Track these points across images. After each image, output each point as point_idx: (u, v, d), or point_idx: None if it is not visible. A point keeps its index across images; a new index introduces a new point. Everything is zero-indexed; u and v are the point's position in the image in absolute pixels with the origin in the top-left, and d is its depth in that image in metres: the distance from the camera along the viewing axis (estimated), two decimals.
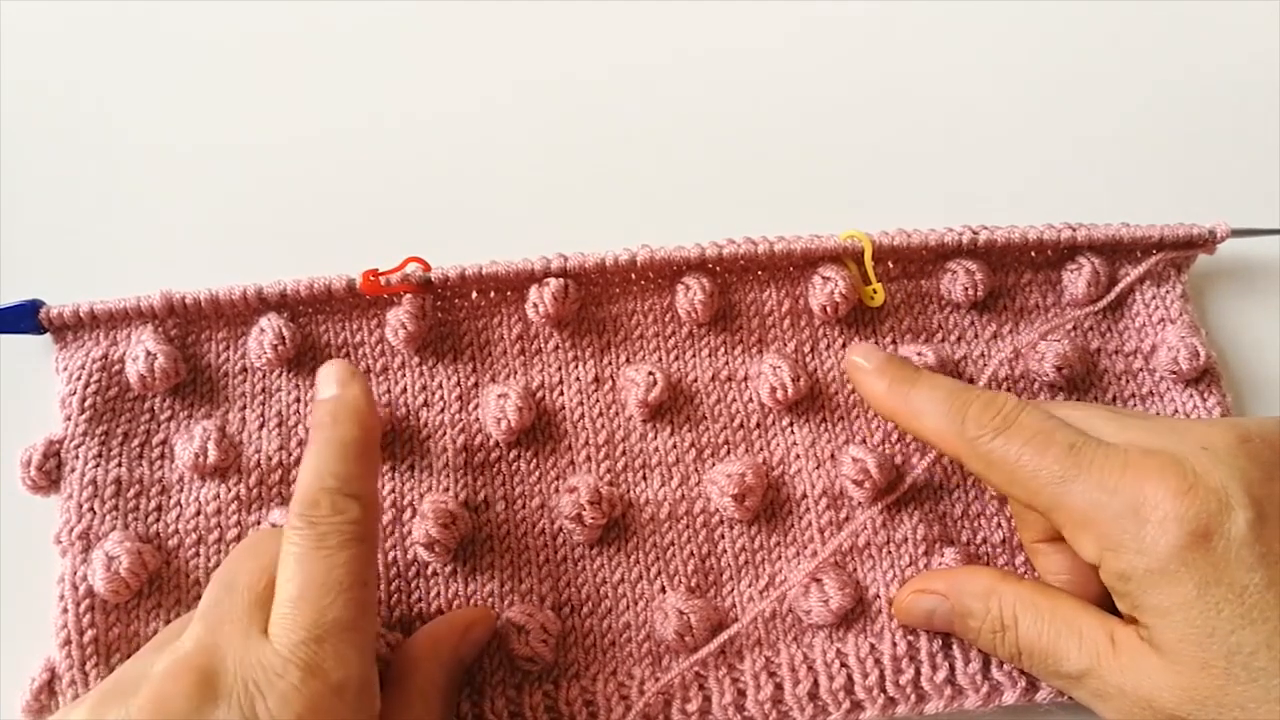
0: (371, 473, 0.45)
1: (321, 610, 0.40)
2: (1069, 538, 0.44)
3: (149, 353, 0.53)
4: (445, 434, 0.54)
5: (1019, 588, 0.46)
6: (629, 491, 0.54)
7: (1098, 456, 0.42)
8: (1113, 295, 0.56)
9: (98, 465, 0.52)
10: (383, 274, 0.53)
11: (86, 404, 0.53)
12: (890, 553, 0.52)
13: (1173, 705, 0.40)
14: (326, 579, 0.40)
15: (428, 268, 0.54)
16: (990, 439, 0.44)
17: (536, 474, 0.54)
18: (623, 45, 0.65)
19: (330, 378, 0.46)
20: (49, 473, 0.52)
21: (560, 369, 0.56)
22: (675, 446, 0.54)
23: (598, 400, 0.55)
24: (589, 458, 0.54)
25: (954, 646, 0.50)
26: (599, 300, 0.56)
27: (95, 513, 0.52)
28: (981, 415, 0.45)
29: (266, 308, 0.54)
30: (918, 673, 0.50)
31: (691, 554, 0.53)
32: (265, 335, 0.54)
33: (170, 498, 0.53)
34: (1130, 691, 0.41)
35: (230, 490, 0.53)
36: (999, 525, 0.53)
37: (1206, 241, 0.56)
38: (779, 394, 0.54)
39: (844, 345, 0.56)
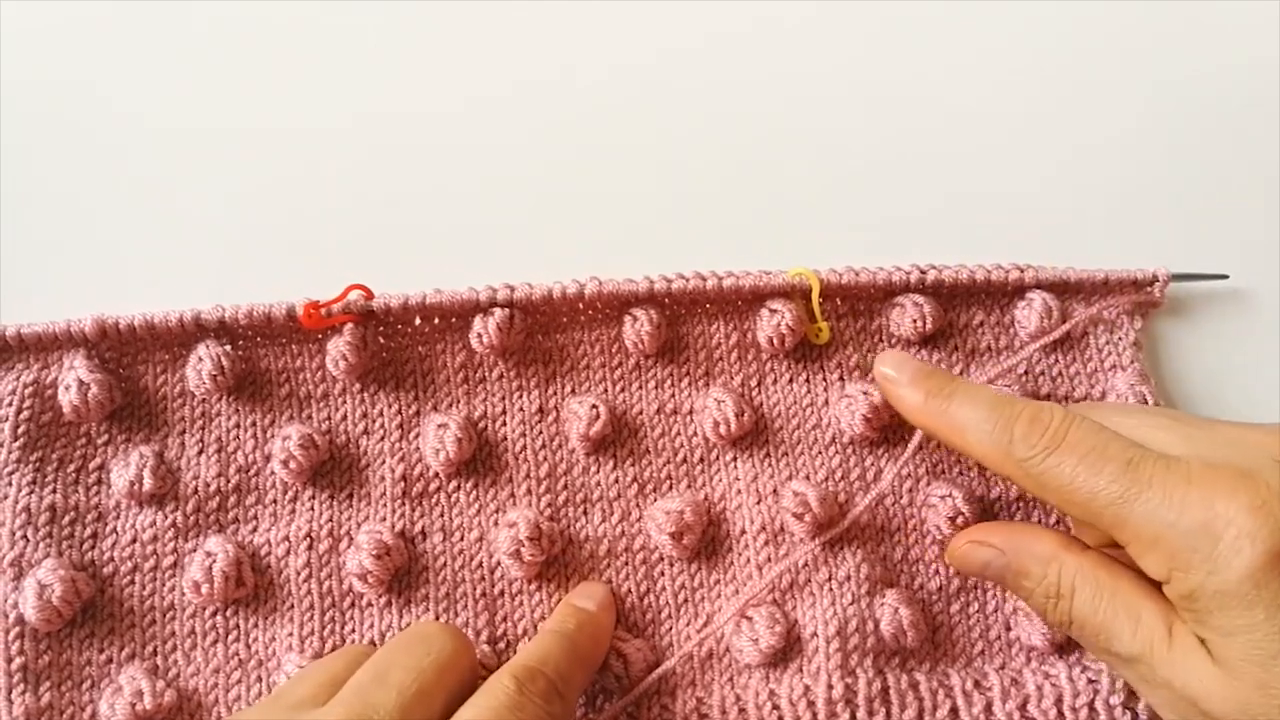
0: (583, 687, 0.48)
1: None
2: (1134, 555, 0.41)
3: (81, 382, 0.52)
4: (385, 463, 0.54)
5: (1082, 559, 0.44)
6: (569, 527, 0.53)
7: (1158, 472, 0.40)
8: (1060, 332, 0.55)
9: (31, 492, 0.51)
10: (324, 305, 0.53)
11: (20, 430, 0.52)
12: (831, 591, 0.52)
13: (1220, 714, 0.38)
14: None
15: (370, 295, 0.53)
16: (1041, 459, 0.42)
17: (476, 506, 0.53)
18: (573, 77, 0.63)
19: (591, 595, 0.51)
20: None
21: (504, 399, 0.55)
22: (617, 481, 0.54)
23: (541, 432, 0.54)
24: (530, 491, 0.54)
25: (891, 692, 0.50)
26: (545, 329, 0.56)
27: (29, 540, 0.51)
28: (1030, 434, 0.43)
29: (205, 334, 0.53)
30: (853, 716, 0.50)
31: (630, 591, 0.52)
32: (204, 365, 0.53)
33: (106, 525, 0.52)
34: (1179, 688, 0.40)
35: (167, 518, 0.52)
36: (936, 572, 0.53)
37: (1151, 282, 0.56)
38: (722, 428, 0.53)
39: (791, 380, 0.56)
